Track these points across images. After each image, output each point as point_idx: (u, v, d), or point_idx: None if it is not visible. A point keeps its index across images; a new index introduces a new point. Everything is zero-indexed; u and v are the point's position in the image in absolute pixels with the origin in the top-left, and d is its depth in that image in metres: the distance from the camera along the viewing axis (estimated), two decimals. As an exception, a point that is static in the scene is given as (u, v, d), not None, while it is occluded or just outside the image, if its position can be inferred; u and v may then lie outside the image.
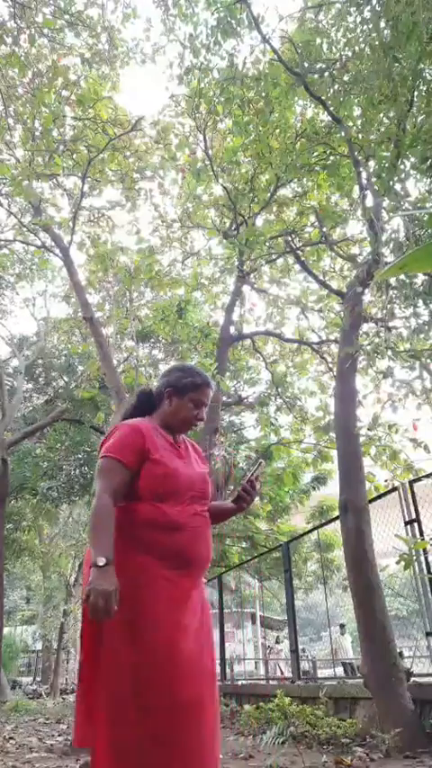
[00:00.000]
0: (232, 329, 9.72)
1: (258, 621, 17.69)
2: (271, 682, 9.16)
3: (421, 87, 5.65)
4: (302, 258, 8.36)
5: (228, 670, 10.98)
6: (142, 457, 1.73)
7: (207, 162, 8.42)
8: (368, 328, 7.00)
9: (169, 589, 1.63)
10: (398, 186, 5.68)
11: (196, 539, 1.72)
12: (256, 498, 2.01)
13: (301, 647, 7.62)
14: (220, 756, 1.73)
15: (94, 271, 10.83)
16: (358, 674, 5.06)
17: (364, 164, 6.11)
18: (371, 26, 5.83)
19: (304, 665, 10.17)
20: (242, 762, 3.65)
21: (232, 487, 10.28)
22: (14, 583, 22.54)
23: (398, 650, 4.37)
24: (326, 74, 6.21)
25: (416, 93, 5.60)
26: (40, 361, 14.53)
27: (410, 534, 4.87)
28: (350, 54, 6.25)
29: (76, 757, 4.02)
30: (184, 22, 7.21)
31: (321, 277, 8.60)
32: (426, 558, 4.73)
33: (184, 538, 1.69)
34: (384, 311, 6.09)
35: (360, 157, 6.05)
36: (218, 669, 1.67)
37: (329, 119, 6.46)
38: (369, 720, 4.06)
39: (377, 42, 5.64)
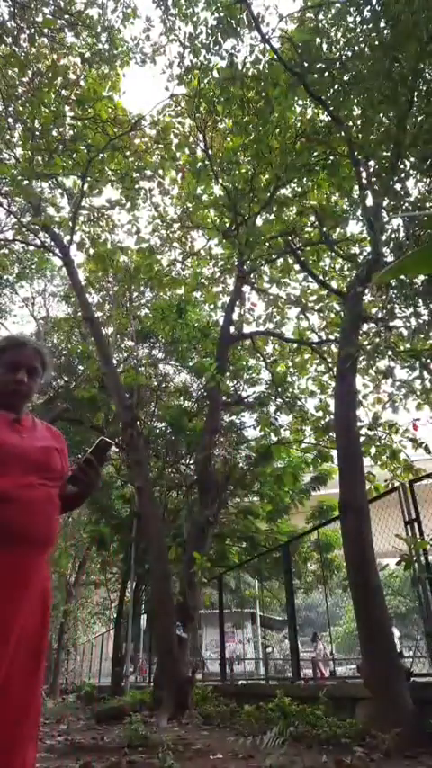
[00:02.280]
0: (232, 329, 9.72)
1: (258, 621, 17.70)
2: (271, 681, 9.16)
3: (421, 87, 5.65)
4: (302, 258, 8.36)
5: (228, 670, 10.97)
6: None
7: (207, 162, 8.42)
8: (368, 328, 7.01)
9: None
10: (398, 186, 5.68)
11: (27, 512, 1.56)
12: (98, 479, 1.86)
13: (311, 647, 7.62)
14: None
15: (94, 271, 10.84)
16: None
17: (364, 164, 6.11)
18: (371, 26, 5.83)
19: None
20: (242, 762, 3.64)
21: (232, 487, 10.30)
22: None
23: (398, 650, 4.37)
24: (326, 74, 6.21)
25: (416, 93, 5.60)
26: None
27: (410, 534, 4.87)
28: (350, 54, 6.25)
29: (76, 757, 4.03)
30: (184, 22, 7.22)
31: (321, 277, 8.60)
32: (426, 558, 4.73)
33: (10, 510, 1.53)
34: (384, 311, 6.10)
35: (360, 157, 6.05)
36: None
37: (329, 119, 6.47)
38: (369, 720, 4.06)
39: (377, 42, 5.64)
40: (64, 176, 9.61)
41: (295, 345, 10.06)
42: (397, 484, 5.50)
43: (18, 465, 1.61)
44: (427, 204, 6.05)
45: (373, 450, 7.09)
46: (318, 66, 6.26)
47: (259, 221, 8.55)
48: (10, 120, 8.58)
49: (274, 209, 8.45)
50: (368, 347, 6.28)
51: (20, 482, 1.58)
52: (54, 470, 1.71)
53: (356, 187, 6.75)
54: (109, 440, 1.78)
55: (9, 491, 1.54)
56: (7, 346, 1.82)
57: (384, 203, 5.98)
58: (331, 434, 8.54)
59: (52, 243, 9.53)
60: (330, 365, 9.16)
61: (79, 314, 11.08)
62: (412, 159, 5.75)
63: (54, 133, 8.82)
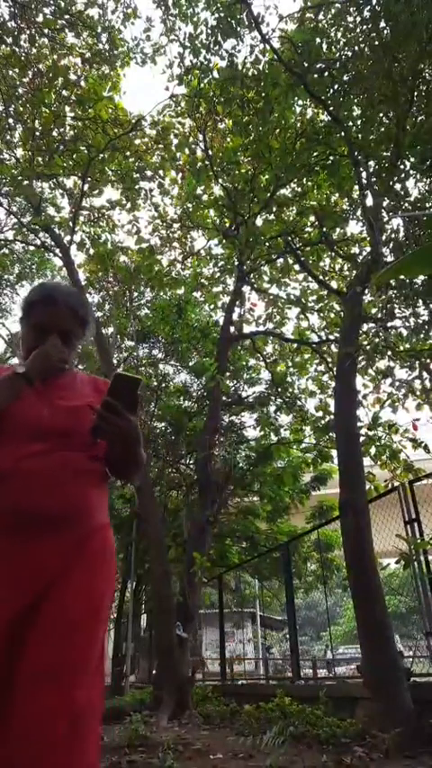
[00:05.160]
0: (232, 329, 9.72)
1: (258, 621, 17.71)
2: (271, 681, 9.16)
3: (421, 87, 5.66)
4: (302, 258, 8.36)
5: (228, 670, 10.98)
6: None
7: (207, 162, 8.42)
8: (368, 328, 7.01)
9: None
10: (398, 186, 5.69)
11: (25, 486, 1.23)
12: (127, 428, 1.31)
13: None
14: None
15: (94, 271, 10.83)
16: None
17: (363, 164, 6.11)
18: (371, 26, 5.83)
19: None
20: (242, 762, 3.65)
21: (232, 487, 10.30)
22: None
23: (398, 650, 4.37)
24: (326, 74, 6.21)
25: (416, 93, 5.61)
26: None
27: (410, 534, 4.87)
28: (350, 54, 6.25)
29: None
30: (184, 22, 7.22)
31: (321, 277, 8.60)
32: (426, 558, 4.73)
33: (10, 487, 1.23)
34: (384, 311, 6.10)
35: (360, 157, 6.05)
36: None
37: (329, 119, 6.47)
38: (369, 720, 4.06)
39: (377, 42, 5.64)
40: (64, 176, 9.61)
41: (295, 345, 10.06)
42: (397, 484, 5.50)
43: (25, 432, 1.31)
44: (427, 204, 6.05)
45: (373, 451, 7.08)
46: (318, 66, 6.27)
47: (259, 221, 8.55)
48: (10, 120, 8.58)
49: (274, 209, 8.45)
50: (368, 347, 6.28)
51: (20, 452, 1.27)
52: (81, 432, 1.34)
53: (356, 187, 6.75)
54: (126, 373, 1.32)
55: (6, 466, 1.25)
56: (35, 302, 1.49)
57: (384, 203, 5.98)
58: (331, 434, 8.54)
59: (52, 243, 9.53)
60: (330, 365, 9.16)
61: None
62: (412, 159, 5.75)
63: (54, 133, 8.82)
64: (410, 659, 5.40)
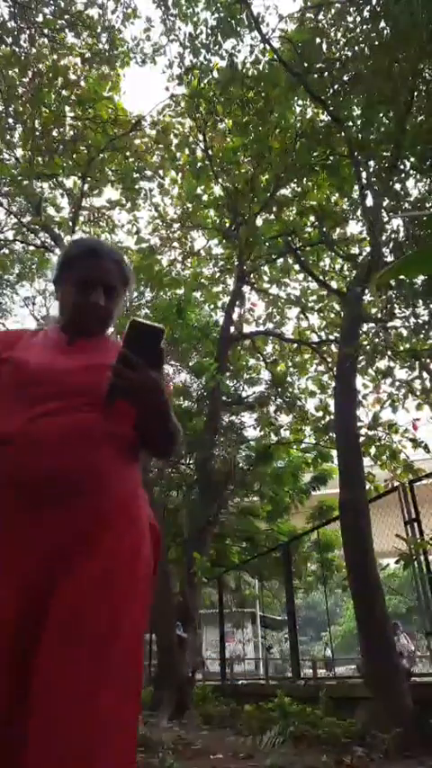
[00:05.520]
0: (232, 329, 9.72)
1: (258, 621, 17.70)
2: (271, 681, 9.17)
3: (421, 87, 5.66)
4: (302, 258, 8.36)
5: (228, 670, 10.98)
6: None
7: (207, 162, 8.42)
8: (368, 328, 7.01)
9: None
10: (398, 186, 5.69)
11: (37, 449, 1.06)
12: (152, 386, 1.09)
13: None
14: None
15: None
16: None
17: (364, 164, 6.11)
18: (371, 26, 5.83)
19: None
20: (242, 762, 3.65)
21: (232, 487, 10.30)
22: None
23: (398, 650, 4.37)
24: (326, 74, 6.21)
25: (416, 93, 5.61)
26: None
27: (410, 534, 4.87)
28: (350, 54, 6.25)
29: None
30: (184, 22, 7.22)
31: (321, 277, 8.60)
32: (426, 558, 4.73)
33: (16, 451, 1.06)
34: (384, 311, 6.10)
35: (360, 157, 6.05)
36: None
37: (329, 119, 6.47)
38: (369, 720, 4.06)
39: (377, 42, 5.64)
40: (64, 176, 9.61)
41: (295, 345, 10.06)
42: (397, 484, 5.51)
43: (40, 390, 1.14)
44: (427, 204, 6.05)
45: (373, 451, 7.09)
46: (318, 66, 6.27)
47: (259, 221, 8.55)
48: (10, 120, 8.58)
49: (274, 209, 8.45)
50: (368, 347, 6.28)
51: (32, 412, 1.10)
52: (91, 391, 1.15)
53: (356, 187, 6.75)
54: (145, 321, 1.11)
55: (10, 430, 1.08)
56: (75, 255, 1.36)
57: (384, 203, 5.98)
58: (331, 434, 8.54)
59: (52, 243, 9.53)
60: (330, 365, 9.16)
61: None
62: (412, 159, 5.75)
63: (54, 133, 8.82)
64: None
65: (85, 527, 1.04)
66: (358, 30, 6.26)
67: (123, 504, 1.12)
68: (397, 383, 6.63)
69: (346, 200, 8.31)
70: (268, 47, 6.51)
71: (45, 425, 1.09)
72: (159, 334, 1.09)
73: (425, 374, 6.20)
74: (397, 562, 4.53)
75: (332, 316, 9.42)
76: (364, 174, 6.07)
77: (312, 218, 8.46)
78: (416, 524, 4.92)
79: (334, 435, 7.00)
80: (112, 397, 1.10)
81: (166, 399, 1.16)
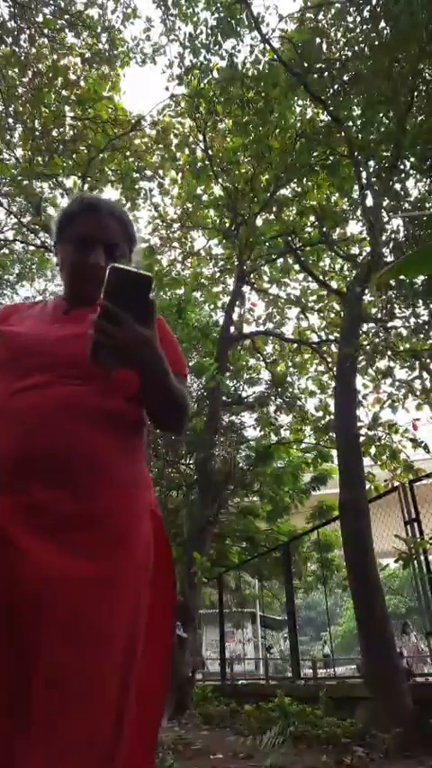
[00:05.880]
0: (232, 329, 9.73)
1: (258, 621, 17.70)
2: (271, 681, 9.17)
3: (421, 87, 5.66)
4: (302, 258, 8.36)
5: (228, 670, 10.98)
6: None
7: (207, 162, 8.43)
8: (368, 328, 7.02)
9: None
10: (398, 186, 5.69)
11: (9, 427, 0.95)
12: (141, 342, 0.94)
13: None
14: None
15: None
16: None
17: (364, 164, 6.11)
18: (371, 26, 5.83)
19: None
20: (242, 762, 3.65)
21: (232, 487, 10.31)
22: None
23: (398, 650, 4.37)
24: (326, 74, 6.21)
25: (416, 93, 5.61)
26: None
27: (410, 534, 4.87)
28: (350, 54, 6.26)
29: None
30: (184, 22, 7.22)
31: (321, 277, 8.60)
32: (426, 558, 4.73)
33: None
34: (384, 311, 6.10)
35: (360, 157, 6.05)
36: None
37: (329, 119, 6.47)
38: (369, 720, 4.06)
39: (377, 42, 5.65)
40: (64, 176, 9.61)
41: (295, 345, 10.07)
42: (397, 484, 5.51)
43: (32, 361, 1.03)
44: (427, 204, 6.06)
45: (373, 451, 7.09)
46: (318, 66, 6.27)
47: (259, 221, 8.56)
48: (10, 120, 8.58)
49: (274, 209, 8.46)
50: (368, 347, 6.28)
51: (16, 385, 0.99)
52: (82, 362, 0.99)
53: (356, 187, 6.75)
54: (128, 267, 0.95)
55: None
56: (75, 211, 1.24)
57: (384, 203, 5.98)
58: (331, 434, 8.54)
59: (52, 243, 9.54)
60: (330, 365, 9.17)
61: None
62: (412, 159, 5.75)
63: (54, 133, 8.82)
64: (410, 658, 5.41)
65: (70, 518, 0.91)
66: (358, 30, 6.26)
67: (117, 492, 0.97)
68: (397, 383, 6.64)
69: (346, 200, 8.31)
70: (268, 47, 6.51)
71: (27, 399, 0.98)
72: (147, 283, 0.94)
73: (425, 374, 6.20)
74: (396, 561, 4.53)
75: (332, 316, 9.43)
76: (364, 174, 6.07)
77: (312, 218, 8.47)
78: (416, 524, 4.92)
79: (334, 435, 7.00)
80: (96, 357, 0.93)
81: (163, 358, 1.00)
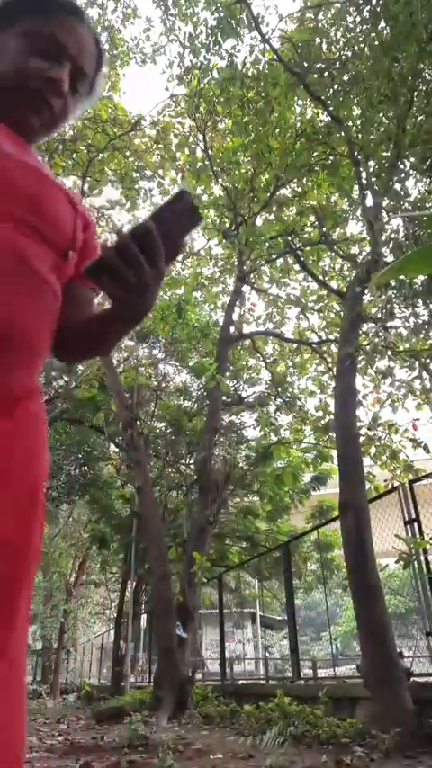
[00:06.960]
0: (232, 329, 9.73)
1: (258, 621, 17.71)
2: (271, 681, 9.17)
3: (421, 87, 5.66)
4: (302, 258, 8.36)
5: (227, 670, 10.98)
6: None
7: (207, 162, 8.43)
8: (368, 328, 7.02)
9: None
10: (398, 186, 5.69)
11: None
12: (150, 294, 0.77)
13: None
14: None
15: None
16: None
17: (364, 164, 6.11)
18: (371, 26, 5.84)
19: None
20: (242, 762, 3.65)
21: (232, 487, 10.31)
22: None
23: (398, 650, 4.37)
24: (326, 74, 6.22)
25: (416, 93, 5.61)
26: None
27: (410, 534, 4.88)
28: (350, 54, 6.26)
29: (76, 757, 4.03)
30: (184, 22, 7.22)
31: (321, 277, 8.60)
32: (426, 558, 4.73)
33: None
34: (384, 311, 6.10)
35: (360, 157, 6.05)
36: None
37: (329, 119, 6.47)
38: (369, 720, 4.06)
39: (377, 42, 5.65)
40: (64, 176, 9.61)
41: (295, 345, 10.07)
42: (397, 484, 5.51)
43: None
44: (427, 204, 6.06)
45: (372, 451, 7.09)
46: (318, 66, 6.27)
47: (259, 221, 8.55)
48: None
49: (274, 209, 8.46)
50: (368, 347, 6.28)
51: None
52: (48, 216, 0.84)
53: (356, 187, 6.75)
54: (191, 195, 0.78)
55: None
56: (48, 4, 0.92)
57: (384, 203, 5.98)
58: (331, 434, 8.54)
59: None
60: (330, 365, 9.17)
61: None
62: (412, 159, 5.76)
63: (54, 133, 8.83)
64: (410, 659, 5.40)
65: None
66: (358, 30, 6.26)
67: (31, 383, 0.82)
68: (397, 383, 6.63)
69: (346, 200, 8.31)
70: (268, 47, 6.51)
71: None
72: (196, 224, 0.81)
73: (425, 374, 6.20)
74: (397, 562, 4.53)
75: (332, 316, 9.42)
76: (364, 174, 6.07)
77: (312, 218, 8.47)
78: (416, 524, 4.92)
79: (334, 435, 7.00)
80: (93, 272, 0.77)
81: (150, 304, 0.83)
